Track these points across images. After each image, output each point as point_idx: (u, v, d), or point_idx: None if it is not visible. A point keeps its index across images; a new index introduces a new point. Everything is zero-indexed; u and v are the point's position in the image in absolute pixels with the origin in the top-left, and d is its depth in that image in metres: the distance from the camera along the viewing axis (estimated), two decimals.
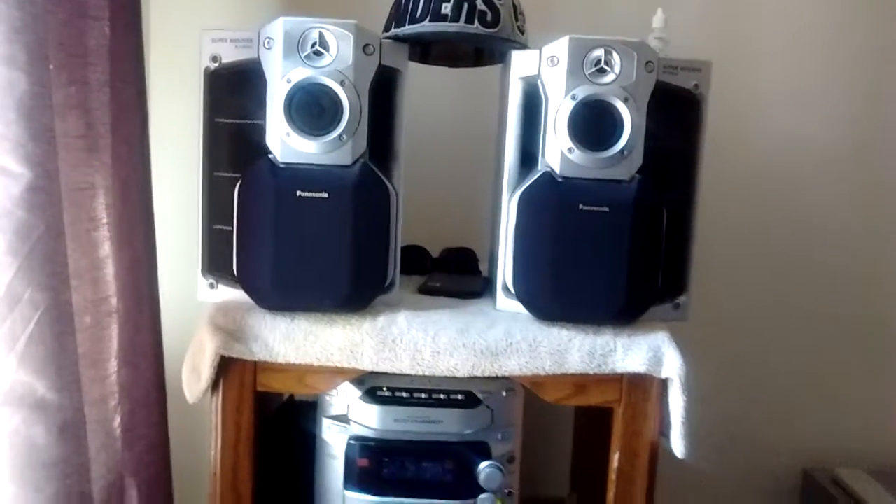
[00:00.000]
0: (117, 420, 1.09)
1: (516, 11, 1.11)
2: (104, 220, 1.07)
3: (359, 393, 1.08)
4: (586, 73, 1.01)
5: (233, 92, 1.04)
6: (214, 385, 1.05)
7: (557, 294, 1.02)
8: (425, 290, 1.18)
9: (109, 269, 1.09)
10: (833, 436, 1.61)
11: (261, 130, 1.02)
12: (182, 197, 1.11)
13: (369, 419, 1.08)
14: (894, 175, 1.57)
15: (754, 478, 1.62)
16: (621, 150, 1.02)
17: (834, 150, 1.57)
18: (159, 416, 1.21)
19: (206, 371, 1.03)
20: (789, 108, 1.56)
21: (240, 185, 1.02)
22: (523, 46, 1.10)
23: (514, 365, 1.03)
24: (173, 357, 1.21)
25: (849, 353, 1.61)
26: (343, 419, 1.09)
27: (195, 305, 1.09)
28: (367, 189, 1.01)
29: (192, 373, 1.08)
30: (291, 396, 1.31)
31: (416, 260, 1.29)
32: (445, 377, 1.04)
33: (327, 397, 1.10)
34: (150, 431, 1.15)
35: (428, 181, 1.26)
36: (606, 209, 1.00)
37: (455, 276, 1.27)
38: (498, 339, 1.03)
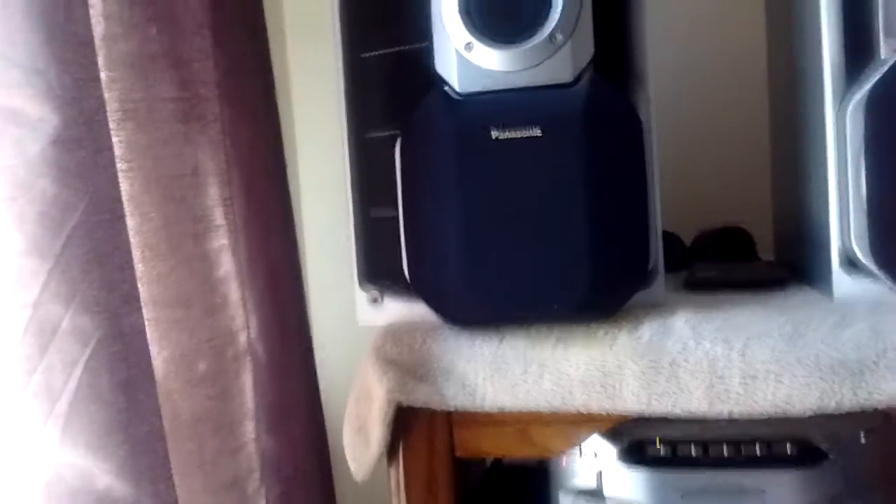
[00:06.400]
0: None
1: None
2: (219, 223, 0.79)
3: (615, 452, 0.74)
4: None
5: (381, 7, 0.74)
6: (391, 451, 0.73)
7: None
8: (695, 283, 0.81)
9: (234, 294, 0.80)
10: None
11: (427, 55, 0.69)
12: (329, 176, 0.80)
13: (638, 493, 0.73)
14: None
15: None
16: None
17: None
18: (323, 498, 0.94)
19: (377, 430, 0.70)
20: None
21: (401, 142, 0.70)
22: None
23: (893, 388, 0.62)
24: (334, 414, 0.91)
25: None
26: (594, 495, 0.75)
27: (358, 334, 0.77)
28: (606, 119, 0.66)
29: (357, 434, 0.74)
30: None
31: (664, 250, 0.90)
32: (763, 419, 0.65)
33: (565, 460, 0.76)
34: None
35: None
36: None
37: (729, 264, 0.89)
38: (861, 345, 0.63)
